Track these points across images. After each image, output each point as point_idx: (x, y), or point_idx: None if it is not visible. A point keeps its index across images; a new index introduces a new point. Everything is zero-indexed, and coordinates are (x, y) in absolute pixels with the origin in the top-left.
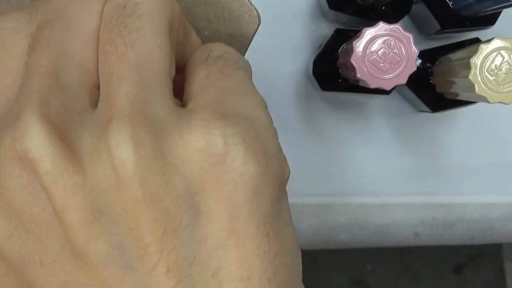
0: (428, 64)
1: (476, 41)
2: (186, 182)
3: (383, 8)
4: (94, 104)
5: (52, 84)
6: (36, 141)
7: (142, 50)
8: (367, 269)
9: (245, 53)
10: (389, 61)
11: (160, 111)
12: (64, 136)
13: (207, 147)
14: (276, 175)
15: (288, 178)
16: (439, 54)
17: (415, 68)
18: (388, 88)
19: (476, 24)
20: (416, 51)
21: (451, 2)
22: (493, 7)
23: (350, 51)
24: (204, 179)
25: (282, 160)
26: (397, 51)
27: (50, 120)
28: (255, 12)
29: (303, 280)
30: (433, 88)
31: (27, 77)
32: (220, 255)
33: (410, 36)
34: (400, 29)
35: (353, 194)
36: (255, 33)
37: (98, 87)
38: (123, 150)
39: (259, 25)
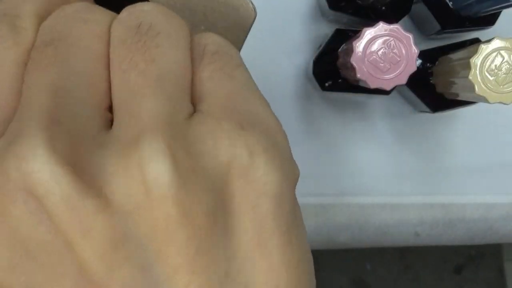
0: (428, 64)
1: (476, 41)
2: (216, 197)
3: (383, 8)
4: (107, 125)
5: (62, 103)
6: (44, 163)
7: (163, 65)
8: (367, 269)
9: (241, 47)
10: (389, 61)
11: (185, 123)
12: (78, 158)
13: (233, 160)
14: (292, 179)
15: (298, 178)
16: (439, 54)
17: (415, 68)
18: (388, 88)
19: (476, 24)
20: (416, 51)
21: (451, 2)
22: (493, 7)
23: (350, 51)
24: (231, 192)
25: (293, 161)
26: (397, 51)
27: (60, 141)
28: (251, 5)
29: None
30: (433, 88)
31: (30, 93)
32: (248, 268)
33: (410, 36)
34: (400, 29)
35: (353, 194)
36: (251, 27)
37: (109, 108)
38: (156, 166)
39: (255, 18)
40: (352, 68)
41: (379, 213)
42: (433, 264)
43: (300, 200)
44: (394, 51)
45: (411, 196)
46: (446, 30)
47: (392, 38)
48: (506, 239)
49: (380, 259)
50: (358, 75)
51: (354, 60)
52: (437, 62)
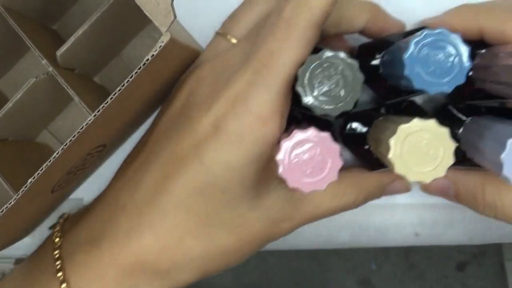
0: (364, 128)
1: (412, 107)
2: None
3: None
4: None
5: None
6: None
7: None
8: (372, 269)
9: None
10: (312, 167)
11: None
12: None
13: None
14: None
15: None
16: (374, 117)
17: (336, 178)
18: (306, 191)
19: (413, 92)
20: (341, 162)
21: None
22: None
23: (277, 149)
24: None
25: None
26: (321, 159)
27: None
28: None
29: (309, 282)
30: (370, 152)
31: None
32: None
33: (338, 147)
34: (329, 139)
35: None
36: None
37: None
38: None
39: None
40: (276, 165)
41: (379, 213)
42: (437, 262)
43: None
44: (319, 159)
45: (411, 196)
46: (387, 102)
47: (319, 147)
48: (506, 239)
49: (385, 259)
50: (280, 171)
51: (278, 158)
52: (373, 125)
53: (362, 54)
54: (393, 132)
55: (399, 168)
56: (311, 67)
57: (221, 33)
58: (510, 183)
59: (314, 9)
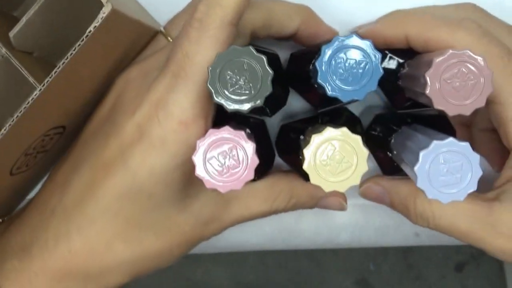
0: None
1: (344, 115)
2: None
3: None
4: None
5: None
6: None
7: None
8: (371, 270)
9: None
10: (227, 166)
11: None
12: None
13: None
14: None
15: None
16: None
17: (252, 177)
18: (223, 191)
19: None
20: (256, 160)
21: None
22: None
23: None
24: None
25: None
26: (237, 158)
27: None
28: None
29: (307, 283)
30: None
31: None
32: None
33: (253, 146)
34: (244, 136)
35: (353, 194)
36: None
37: None
38: None
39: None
40: (193, 165)
41: (379, 213)
42: (435, 263)
43: None
44: (235, 158)
45: None
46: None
47: (234, 145)
48: None
49: (384, 259)
50: (196, 172)
51: (194, 158)
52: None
53: (292, 62)
54: (307, 142)
55: (314, 178)
56: (221, 64)
57: (163, 33)
58: (425, 195)
59: (226, 8)
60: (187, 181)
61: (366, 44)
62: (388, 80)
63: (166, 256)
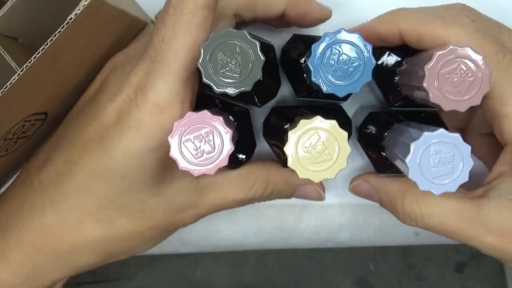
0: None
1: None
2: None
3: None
4: None
5: None
6: None
7: None
8: (370, 270)
9: None
10: (203, 150)
11: None
12: None
13: None
14: None
15: None
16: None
17: (226, 163)
18: (195, 174)
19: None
20: (231, 147)
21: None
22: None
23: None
24: None
25: None
26: (212, 143)
27: None
28: None
29: (307, 283)
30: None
31: None
32: None
33: (230, 133)
34: (222, 122)
35: (353, 194)
36: None
37: None
38: None
39: None
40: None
41: (379, 213)
42: (435, 263)
43: (300, 200)
44: (211, 143)
45: None
46: (300, 97)
47: (210, 129)
48: None
49: (384, 259)
50: (171, 153)
51: (170, 139)
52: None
53: (284, 57)
54: (295, 125)
55: (293, 162)
56: (214, 44)
57: (154, 22)
58: (418, 187)
59: None
60: (163, 166)
61: (355, 37)
62: (385, 77)
63: (137, 238)
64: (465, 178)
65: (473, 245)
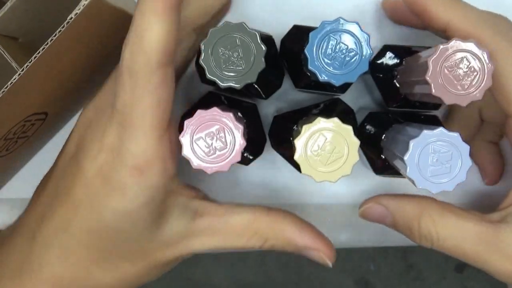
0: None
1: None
2: None
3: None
4: None
5: None
6: None
7: None
8: (371, 270)
9: None
10: (215, 148)
11: None
12: None
13: None
14: None
15: None
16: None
17: (239, 159)
18: (209, 172)
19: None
20: (243, 143)
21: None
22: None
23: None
24: None
25: None
26: (224, 140)
27: None
28: None
29: (307, 283)
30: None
31: None
32: None
33: (240, 128)
34: (232, 117)
35: (353, 194)
36: None
37: None
38: None
39: None
40: (180, 146)
41: None
42: (435, 263)
43: (300, 200)
44: (222, 139)
45: None
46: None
47: (220, 126)
48: None
49: (384, 259)
50: (184, 153)
51: (181, 137)
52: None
53: (282, 49)
54: (299, 132)
55: (305, 169)
56: (214, 40)
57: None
58: (415, 185)
59: (149, 53)
60: (157, 215)
61: (353, 27)
62: (384, 77)
63: (145, 277)
64: (462, 177)
65: (487, 269)
